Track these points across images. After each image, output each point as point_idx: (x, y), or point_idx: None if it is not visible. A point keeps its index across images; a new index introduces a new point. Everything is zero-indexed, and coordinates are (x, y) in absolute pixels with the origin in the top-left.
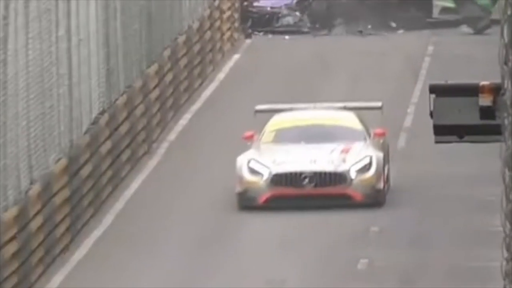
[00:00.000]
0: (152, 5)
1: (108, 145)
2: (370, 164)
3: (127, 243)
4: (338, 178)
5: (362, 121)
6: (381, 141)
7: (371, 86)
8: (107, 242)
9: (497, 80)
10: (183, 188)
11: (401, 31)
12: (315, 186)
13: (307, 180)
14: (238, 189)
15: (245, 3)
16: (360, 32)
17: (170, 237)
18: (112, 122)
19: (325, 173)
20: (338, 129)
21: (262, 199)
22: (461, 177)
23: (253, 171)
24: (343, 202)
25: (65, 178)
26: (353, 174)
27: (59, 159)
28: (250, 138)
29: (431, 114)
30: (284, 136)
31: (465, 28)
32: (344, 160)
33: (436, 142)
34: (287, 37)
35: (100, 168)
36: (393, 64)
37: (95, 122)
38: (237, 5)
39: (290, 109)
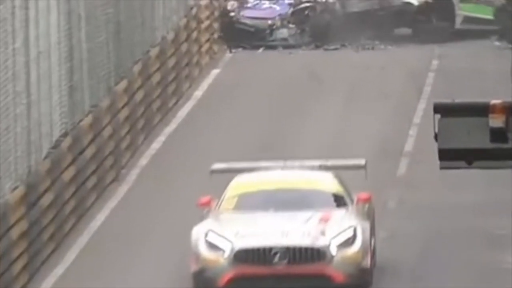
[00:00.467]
0: (121, 14)
1: (71, 171)
2: (354, 237)
3: (92, 281)
4: (316, 254)
5: (342, 183)
6: (366, 207)
7: (368, 105)
8: (69, 281)
9: (510, 99)
10: (155, 219)
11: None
12: (288, 263)
13: (278, 256)
14: (194, 268)
15: (231, 13)
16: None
17: (140, 274)
18: (76, 146)
19: (300, 249)
20: (314, 193)
21: (223, 280)
22: (469, 207)
23: (211, 246)
24: (322, 284)
25: (22, 209)
26: (333, 250)
27: (15, 188)
28: (207, 204)
29: (436, 137)
30: (248, 202)
31: (496, 42)
32: (323, 232)
33: (442, 168)
34: (291, 53)
35: (62, 197)
36: (393, 81)
37: (56, 145)
38: (216, 13)
39: (255, 168)
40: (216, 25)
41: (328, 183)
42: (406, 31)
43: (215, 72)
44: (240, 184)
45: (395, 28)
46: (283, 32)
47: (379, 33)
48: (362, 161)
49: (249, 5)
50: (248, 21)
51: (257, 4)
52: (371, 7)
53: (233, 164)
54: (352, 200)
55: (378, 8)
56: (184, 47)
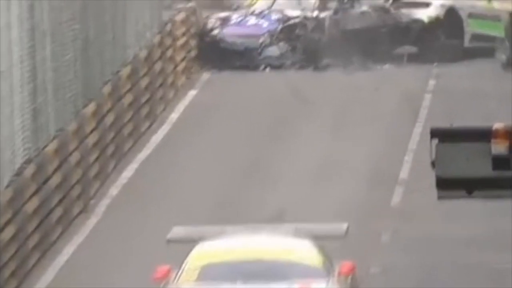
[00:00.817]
0: (90, 30)
1: (34, 202)
2: None
3: None
4: None
5: (322, 251)
6: (349, 279)
7: (360, 130)
8: None
9: None
10: (126, 254)
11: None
12: None
13: None
14: None
15: (213, 32)
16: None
17: None
18: (40, 174)
19: None
20: (288, 264)
21: None
22: (468, 240)
23: None
24: None
25: None
26: None
27: None
28: (164, 277)
29: (433, 164)
30: (212, 274)
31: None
32: None
33: (439, 198)
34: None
35: (25, 230)
36: (387, 103)
37: (18, 173)
38: (193, 30)
39: (219, 235)
40: (193, 42)
41: (305, 252)
42: (409, 49)
43: (192, 93)
44: (203, 254)
45: (399, 46)
46: (273, 50)
47: (378, 52)
48: (343, 227)
49: (232, 21)
50: (236, 40)
51: (241, 20)
52: (372, 24)
53: (194, 230)
54: (333, 271)
55: (381, 25)
56: (158, 66)
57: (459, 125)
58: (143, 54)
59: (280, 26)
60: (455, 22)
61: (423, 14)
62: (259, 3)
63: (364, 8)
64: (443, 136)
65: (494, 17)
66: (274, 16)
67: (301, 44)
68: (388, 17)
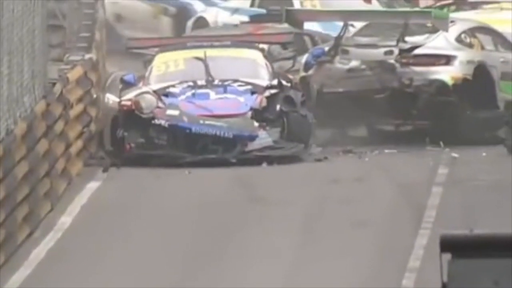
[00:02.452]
0: None
1: None
2: None
3: None
4: None
5: None
6: None
7: (338, 242)
8: None
9: None
10: None
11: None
12: None
13: None
14: None
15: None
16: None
17: None
18: None
19: None
20: None
21: None
22: None
23: None
24: None
25: None
26: None
27: None
28: None
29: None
30: None
31: None
32: None
33: None
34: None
35: None
36: (380, 200)
37: None
38: (95, 94)
39: None
40: (93, 111)
41: None
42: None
43: (92, 186)
44: None
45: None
46: (264, 137)
47: (371, 129)
48: None
49: (183, 96)
50: (202, 124)
51: (194, 93)
52: (365, 87)
53: None
54: None
55: (380, 89)
56: (41, 147)
57: (481, 231)
58: (19, 129)
59: (261, 100)
60: (486, 86)
61: (445, 73)
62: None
63: (355, 63)
64: (459, 248)
65: None
66: (242, 87)
67: (291, 125)
68: (390, 77)
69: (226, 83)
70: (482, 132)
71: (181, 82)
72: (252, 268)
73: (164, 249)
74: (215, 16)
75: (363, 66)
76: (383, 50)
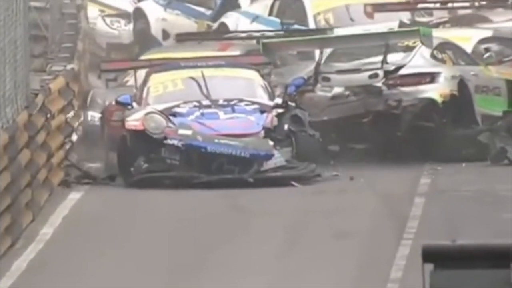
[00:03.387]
0: None
1: None
2: None
3: None
4: None
5: None
6: None
7: (318, 253)
8: None
9: None
10: None
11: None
12: None
13: None
14: None
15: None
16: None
17: None
18: None
19: None
20: None
21: None
22: None
23: None
24: None
25: None
26: None
27: None
28: None
29: None
30: None
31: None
32: None
33: None
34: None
35: None
36: (361, 210)
37: None
38: (76, 104)
39: None
40: (76, 122)
41: None
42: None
43: (73, 197)
44: None
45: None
46: (278, 157)
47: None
48: None
49: (192, 116)
50: (218, 143)
51: (202, 113)
52: (352, 112)
53: None
54: None
55: (364, 113)
56: (23, 158)
57: (463, 242)
58: (1, 140)
59: (271, 119)
60: (466, 101)
61: (433, 91)
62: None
63: (338, 89)
64: (442, 259)
65: (495, 91)
66: (249, 106)
67: (299, 145)
68: (376, 100)
69: (232, 102)
70: (467, 149)
71: (185, 102)
72: (234, 270)
73: (146, 261)
74: (236, 23)
75: (347, 92)
76: (367, 74)
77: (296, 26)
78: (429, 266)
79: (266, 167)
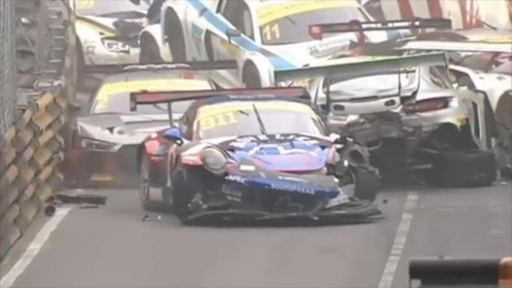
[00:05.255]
0: None
1: None
2: None
3: None
4: None
5: None
6: None
7: (305, 270)
8: None
9: None
10: None
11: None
12: None
13: None
14: None
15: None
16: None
17: None
18: None
19: None
20: None
21: None
22: None
23: None
24: None
25: None
26: None
27: None
28: None
29: None
30: None
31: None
32: None
33: None
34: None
35: None
36: (347, 229)
37: None
38: (63, 119)
39: None
40: (62, 139)
41: None
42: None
43: (61, 213)
44: None
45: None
46: (341, 194)
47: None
48: None
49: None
50: (282, 180)
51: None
52: (365, 139)
53: None
54: None
55: (374, 140)
56: (11, 174)
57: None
58: None
59: (332, 155)
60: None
61: (451, 116)
62: None
63: (352, 117)
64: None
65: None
66: (308, 142)
67: (360, 182)
68: (391, 127)
69: (289, 137)
70: (478, 173)
71: (240, 137)
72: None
73: (135, 277)
74: (184, 11)
75: (362, 120)
76: (383, 100)
77: (242, 36)
78: (417, 282)
79: (330, 204)
